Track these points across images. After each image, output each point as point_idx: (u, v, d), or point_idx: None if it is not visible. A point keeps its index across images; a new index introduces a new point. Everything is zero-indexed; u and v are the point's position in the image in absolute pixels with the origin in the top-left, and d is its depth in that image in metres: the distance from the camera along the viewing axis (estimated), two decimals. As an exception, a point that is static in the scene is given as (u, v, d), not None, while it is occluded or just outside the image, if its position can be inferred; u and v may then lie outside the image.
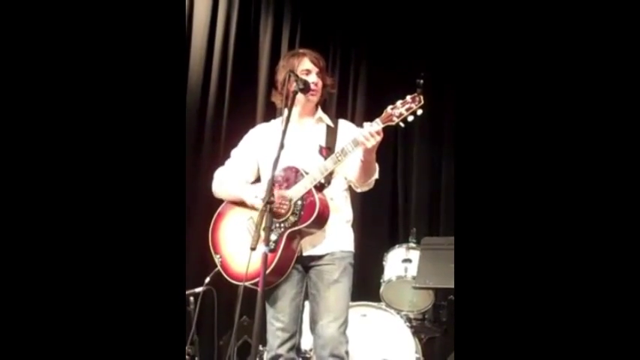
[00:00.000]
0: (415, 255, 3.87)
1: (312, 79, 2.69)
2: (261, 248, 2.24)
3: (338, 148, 2.57)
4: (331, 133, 2.73)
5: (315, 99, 2.74)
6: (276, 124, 2.83)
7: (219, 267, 2.72)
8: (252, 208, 2.64)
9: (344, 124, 2.79)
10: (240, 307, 2.64)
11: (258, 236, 2.25)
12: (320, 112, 2.81)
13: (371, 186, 2.71)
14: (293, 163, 2.61)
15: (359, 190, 2.74)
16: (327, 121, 2.79)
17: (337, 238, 2.64)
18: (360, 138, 2.45)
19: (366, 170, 2.58)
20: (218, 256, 2.74)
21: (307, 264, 2.62)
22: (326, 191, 2.61)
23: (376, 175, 2.66)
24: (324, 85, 2.76)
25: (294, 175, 2.59)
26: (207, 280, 3.42)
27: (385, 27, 5.31)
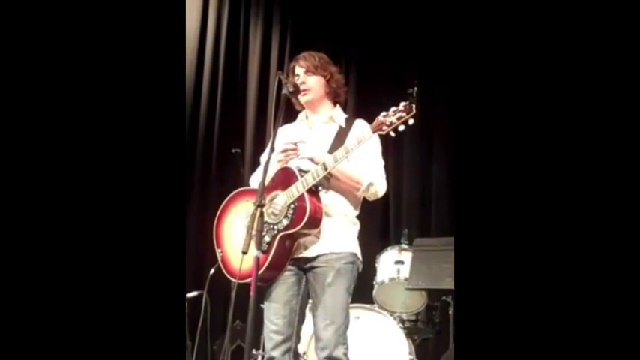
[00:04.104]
0: (407, 256, 3.88)
1: (300, 79, 2.69)
2: (253, 252, 2.22)
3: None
4: (340, 135, 2.63)
5: (307, 97, 2.70)
6: (299, 121, 2.81)
7: (219, 261, 2.70)
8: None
9: (358, 126, 2.65)
10: (233, 308, 2.64)
11: (250, 240, 2.24)
12: (333, 112, 2.75)
13: (374, 193, 2.63)
14: (290, 164, 2.59)
15: (367, 198, 2.68)
16: (340, 121, 2.71)
17: (331, 240, 2.59)
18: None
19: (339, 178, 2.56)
20: (219, 250, 2.70)
21: (303, 265, 2.60)
22: (322, 195, 2.58)
23: (369, 182, 2.58)
24: (328, 79, 2.71)
25: (289, 177, 2.57)
26: (211, 272, 3.52)
27: (375, 30, 5.33)
